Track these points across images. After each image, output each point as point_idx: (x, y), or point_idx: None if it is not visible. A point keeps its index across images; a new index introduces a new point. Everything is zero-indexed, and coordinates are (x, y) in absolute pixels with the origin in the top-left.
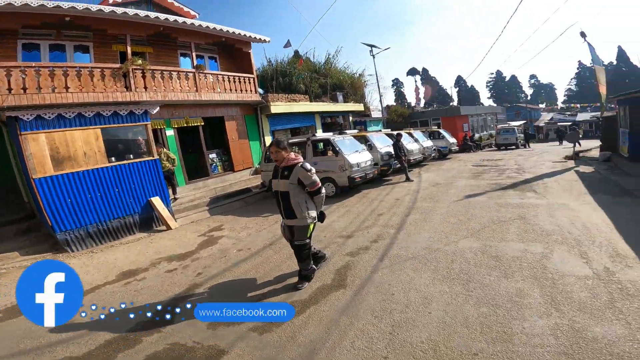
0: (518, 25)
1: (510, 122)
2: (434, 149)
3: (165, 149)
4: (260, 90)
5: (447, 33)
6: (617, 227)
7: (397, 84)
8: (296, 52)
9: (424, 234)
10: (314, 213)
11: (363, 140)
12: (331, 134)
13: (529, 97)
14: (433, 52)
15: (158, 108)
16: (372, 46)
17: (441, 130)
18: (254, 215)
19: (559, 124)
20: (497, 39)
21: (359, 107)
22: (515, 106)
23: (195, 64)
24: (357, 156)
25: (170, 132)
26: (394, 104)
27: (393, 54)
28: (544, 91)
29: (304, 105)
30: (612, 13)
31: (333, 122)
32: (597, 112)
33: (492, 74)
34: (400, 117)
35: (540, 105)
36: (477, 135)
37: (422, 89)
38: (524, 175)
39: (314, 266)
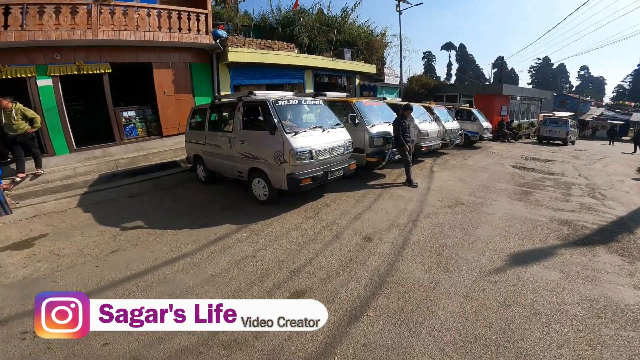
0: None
1: (555, 112)
2: (460, 134)
3: (19, 105)
4: (223, 33)
5: (496, 11)
6: None
7: (428, 57)
8: None
9: None
10: None
11: (348, 110)
12: (281, 93)
13: (573, 88)
14: (474, 29)
15: None
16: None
17: (474, 110)
18: (141, 216)
19: (609, 121)
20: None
21: (369, 68)
22: (562, 95)
23: None
24: (312, 137)
25: (45, 82)
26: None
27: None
28: (592, 84)
29: (286, 57)
30: None
31: (332, 83)
32: None
33: (539, 59)
34: (422, 88)
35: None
36: (515, 122)
37: (455, 66)
38: (608, 204)
39: None
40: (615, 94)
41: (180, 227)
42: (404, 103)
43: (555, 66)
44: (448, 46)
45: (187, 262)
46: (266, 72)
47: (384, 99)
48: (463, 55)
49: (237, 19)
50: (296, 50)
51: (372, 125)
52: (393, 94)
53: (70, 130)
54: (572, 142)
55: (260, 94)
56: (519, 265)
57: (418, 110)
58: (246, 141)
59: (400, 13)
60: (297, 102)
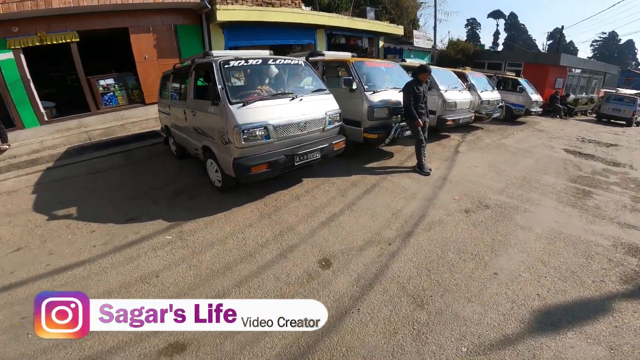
0: None
1: (619, 89)
2: (500, 106)
3: None
4: None
5: None
6: None
7: (472, 24)
8: None
9: None
10: None
11: (341, 70)
12: (236, 53)
13: (639, 67)
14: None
15: None
16: None
17: (522, 80)
18: (79, 201)
19: None
20: None
21: (394, 28)
22: (628, 71)
23: None
24: (272, 109)
25: (5, 56)
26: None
27: None
28: None
29: (289, 14)
30: None
31: (351, 45)
32: None
33: (604, 33)
34: (460, 54)
35: None
36: (571, 96)
37: (504, 35)
38: None
39: None
40: None
41: (107, 219)
42: (418, 64)
43: (622, 41)
44: (496, 14)
45: (74, 275)
46: (268, 31)
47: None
48: (513, 25)
49: None
50: (308, 8)
51: (374, 92)
52: (424, 58)
53: (39, 102)
54: (638, 124)
55: (218, 54)
56: (546, 333)
57: (446, 76)
58: (196, 113)
59: None
60: (259, 62)
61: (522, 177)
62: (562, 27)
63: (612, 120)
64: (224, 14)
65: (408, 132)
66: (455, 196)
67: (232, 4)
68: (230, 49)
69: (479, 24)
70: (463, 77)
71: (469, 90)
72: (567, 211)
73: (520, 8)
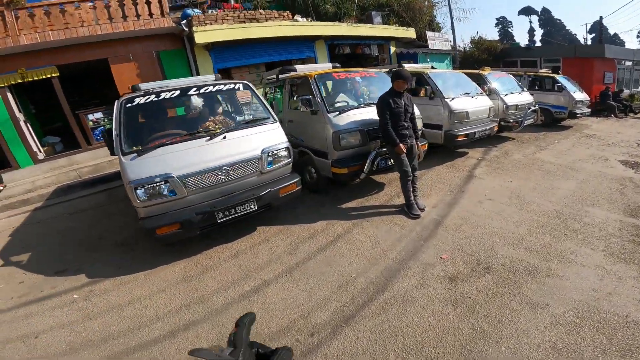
0: None
1: None
2: (532, 109)
3: None
4: (195, 11)
5: None
6: None
7: (503, 22)
8: None
9: None
10: None
11: (306, 89)
12: (162, 83)
13: None
14: None
15: None
16: None
17: (560, 78)
18: (37, 247)
19: None
20: None
21: (404, 32)
22: None
23: None
24: (177, 156)
25: None
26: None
27: None
28: None
29: (277, 28)
30: None
31: (358, 54)
32: None
33: None
34: (485, 53)
35: None
36: (626, 92)
37: (539, 31)
38: None
39: None
40: None
41: (42, 269)
42: (422, 68)
43: None
44: (528, 11)
45: None
46: (260, 48)
47: (432, 67)
48: (548, 20)
49: None
50: (306, 19)
51: (340, 112)
52: (443, 61)
53: (34, 140)
54: None
55: (146, 87)
56: None
57: (452, 80)
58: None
59: None
60: (176, 94)
61: (556, 212)
62: (601, 17)
63: None
64: (203, 36)
65: (388, 163)
66: (445, 253)
67: (211, 24)
68: (220, 70)
69: (510, 22)
70: (480, 79)
71: (488, 95)
72: (617, 271)
73: (551, 2)
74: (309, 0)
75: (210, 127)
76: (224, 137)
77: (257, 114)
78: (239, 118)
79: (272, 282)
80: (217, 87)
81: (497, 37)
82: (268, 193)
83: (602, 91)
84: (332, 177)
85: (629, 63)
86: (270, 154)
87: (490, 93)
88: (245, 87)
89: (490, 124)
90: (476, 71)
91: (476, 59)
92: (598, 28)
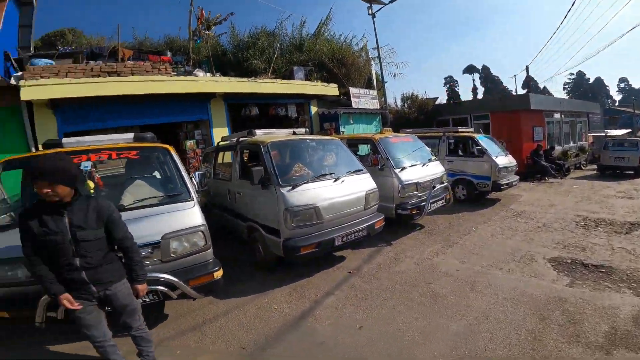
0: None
1: (608, 131)
2: (443, 186)
3: None
4: (44, 62)
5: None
6: None
7: (450, 81)
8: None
9: None
10: None
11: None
12: None
13: (617, 103)
14: (497, 51)
15: None
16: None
17: (479, 138)
18: None
19: None
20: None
21: (324, 88)
22: (611, 109)
23: None
24: None
25: None
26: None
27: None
28: (635, 97)
29: (142, 83)
30: None
31: (271, 115)
32: None
33: (572, 74)
34: (415, 112)
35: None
36: (558, 149)
37: (481, 89)
38: None
39: None
40: None
41: None
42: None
43: (591, 80)
44: (470, 69)
45: None
46: (131, 108)
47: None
48: (488, 77)
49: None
50: (206, 74)
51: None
52: (372, 122)
53: None
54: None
55: None
56: None
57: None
58: None
59: (373, 16)
60: None
61: None
62: (527, 67)
63: (617, 172)
64: (30, 92)
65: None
66: None
67: (49, 77)
68: (67, 135)
69: (457, 81)
70: (373, 145)
71: (380, 169)
72: None
73: (490, 60)
74: (240, 56)
75: None
76: None
77: None
78: None
79: None
80: None
81: (445, 96)
82: None
83: (533, 150)
84: None
85: (557, 116)
86: None
87: (383, 168)
88: None
89: (358, 228)
90: (369, 135)
91: (407, 119)
92: (525, 78)
